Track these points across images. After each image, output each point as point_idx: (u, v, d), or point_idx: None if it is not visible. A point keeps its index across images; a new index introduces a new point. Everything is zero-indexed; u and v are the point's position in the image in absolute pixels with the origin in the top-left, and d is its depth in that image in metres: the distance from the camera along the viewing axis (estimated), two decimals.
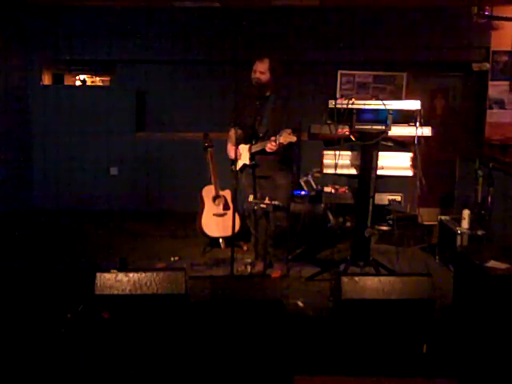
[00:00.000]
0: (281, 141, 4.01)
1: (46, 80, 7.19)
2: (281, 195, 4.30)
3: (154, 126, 7.06)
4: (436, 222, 5.24)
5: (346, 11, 6.38)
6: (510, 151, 5.82)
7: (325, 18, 6.45)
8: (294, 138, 3.97)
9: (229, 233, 4.78)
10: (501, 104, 6.44)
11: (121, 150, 6.90)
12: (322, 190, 5.44)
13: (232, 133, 4.44)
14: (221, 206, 5.07)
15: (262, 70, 4.25)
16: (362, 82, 6.83)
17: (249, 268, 4.52)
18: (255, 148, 4.23)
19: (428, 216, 5.90)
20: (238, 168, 4.41)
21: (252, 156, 4.26)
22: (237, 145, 4.31)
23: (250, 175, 4.40)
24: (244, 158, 4.38)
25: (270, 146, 4.07)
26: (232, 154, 4.34)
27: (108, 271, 2.99)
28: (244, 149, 4.36)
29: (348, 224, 5.37)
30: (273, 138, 4.05)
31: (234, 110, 4.47)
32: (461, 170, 6.05)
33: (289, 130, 3.97)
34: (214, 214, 5.05)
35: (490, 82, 6.45)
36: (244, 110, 4.39)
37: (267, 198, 4.13)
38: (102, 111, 6.84)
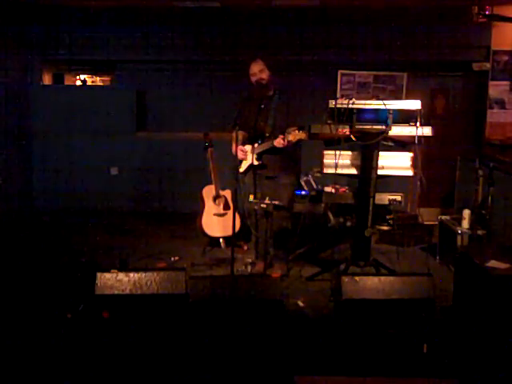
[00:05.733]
0: (290, 138, 4.01)
1: (46, 80, 7.19)
2: (283, 195, 4.30)
3: (154, 126, 7.06)
4: (436, 222, 5.24)
5: (346, 11, 6.38)
6: (510, 151, 5.82)
7: (325, 18, 6.44)
8: (303, 135, 3.98)
9: (229, 232, 4.77)
10: (501, 104, 6.44)
11: (121, 150, 6.89)
12: (323, 190, 5.44)
13: (235, 134, 4.42)
14: (221, 206, 5.07)
15: (260, 69, 4.26)
16: (362, 82, 6.83)
17: (249, 268, 4.51)
18: (261, 147, 4.22)
19: (428, 216, 5.89)
20: (243, 169, 4.41)
21: (258, 156, 4.25)
22: (242, 146, 4.33)
23: (253, 175, 4.39)
24: (248, 159, 4.37)
25: (279, 141, 4.07)
26: (239, 155, 4.35)
27: (108, 271, 2.99)
28: (248, 149, 4.36)
29: (348, 224, 5.35)
30: (281, 136, 4.05)
31: (237, 113, 4.46)
32: (461, 170, 6.05)
33: (294, 128, 3.97)
34: (214, 214, 5.05)
35: (491, 82, 6.45)
36: (246, 112, 4.39)
37: (267, 198, 4.13)
38: (102, 111, 6.83)
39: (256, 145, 4.23)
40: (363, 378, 2.64)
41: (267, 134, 4.24)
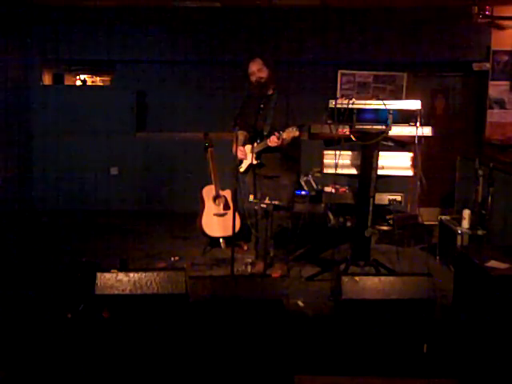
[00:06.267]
0: (284, 136, 4.00)
1: (46, 80, 7.19)
2: (284, 195, 4.29)
3: (154, 126, 7.06)
4: (436, 222, 5.24)
5: (346, 11, 6.38)
6: (510, 151, 5.81)
7: (325, 18, 6.45)
8: (296, 133, 3.97)
9: (229, 232, 4.77)
10: (501, 104, 6.44)
11: (121, 150, 6.90)
12: (323, 190, 5.44)
13: (237, 134, 4.42)
14: (221, 206, 5.07)
15: (258, 68, 4.26)
16: (362, 82, 6.83)
17: (249, 268, 4.51)
18: (259, 147, 4.22)
19: (428, 216, 5.90)
20: (243, 169, 4.41)
21: (257, 155, 4.25)
22: (242, 146, 4.33)
23: (253, 174, 4.39)
24: (248, 158, 4.37)
25: (274, 139, 4.06)
26: (239, 154, 4.34)
27: (108, 271, 2.99)
28: (248, 149, 4.36)
29: (348, 224, 5.36)
30: (276, 134, 4.05)
31: (239, 113, 4.46)
32: (461, 170, 6.05)
33: (294, 128, 3.97)
34: (214, 214, 5.05)
35: (491, 82, 6.45)
36: (246, 111, 4.39)
37: (267, 198, 4.13)
38: (101, 111, 6.84)
39: (255, 144, 4.23)
40: (363, 377, 2.64)
41: (265, 133, 4.24)
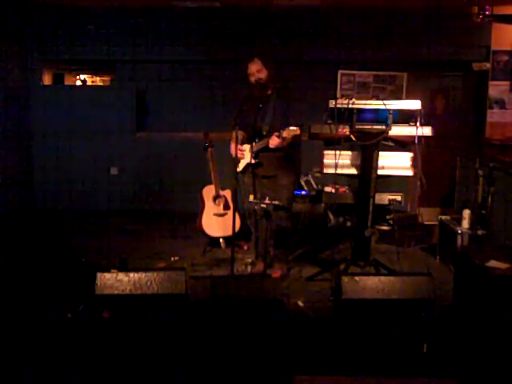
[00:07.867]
0: (284, 135, 4.00)
1: (46, 80, 7.19)
2: (283, 195, 4.29)
3: (154, 126, 7.06)
4: (436, 222, 5.24)
5: (346, 11, 6.38)
6: (510, 151, 5.82)
7: (325, 18, 6.45)
8: (297, 131, 3.96)
9: (229, 232, 4.78)
10: (501, 104, 6.44)
11: (121, 150, 6.90)
12: (323, 190, 5.45)
13: (235, 134, 4.42)
14: (221, 206, 5.07)
15: (258, 69, 4.25)
16: (362, 82, 6.83)
17: (249, 268, 4.51)
18: (258, 146, 4.22)
19: (428, 216, 5.90)
20: (240, 168, 4.41)
21: (255, 154, 4.25)
22: (241, 145, 4.33)
23: (252, 174, 4.39)
24: (247, 158, 4.37)
25: (274, 138, 4.06)
26: (238, 154, 4.34)
27: (108, 271, 2.99)
28: (247, 148, 4.36)
29: (348, 224, 5.37)
30: (276, 134, 4.05)
31: (238, 113, 4.46)
32: (461, 170, 6.05)
33: (294, 126, 3.97)
34: (214, 214, 5.05)
35: (491, 82, 6.46)
36: (246, 111, 4.38)
37: (267, 198, 4.13)
38: (101, 111, 6.84)
39: (254, 143, 4.23)
40: (363, 377, 2.64)
41: (264, 133, 4.23)
